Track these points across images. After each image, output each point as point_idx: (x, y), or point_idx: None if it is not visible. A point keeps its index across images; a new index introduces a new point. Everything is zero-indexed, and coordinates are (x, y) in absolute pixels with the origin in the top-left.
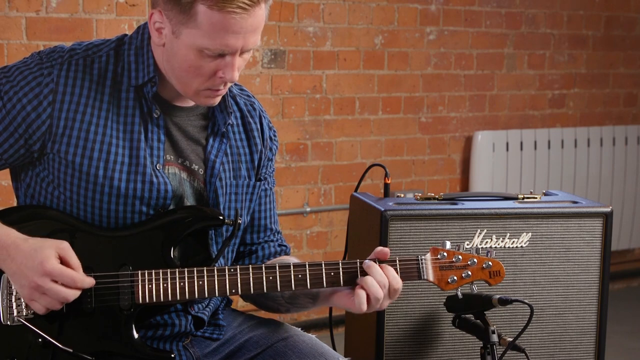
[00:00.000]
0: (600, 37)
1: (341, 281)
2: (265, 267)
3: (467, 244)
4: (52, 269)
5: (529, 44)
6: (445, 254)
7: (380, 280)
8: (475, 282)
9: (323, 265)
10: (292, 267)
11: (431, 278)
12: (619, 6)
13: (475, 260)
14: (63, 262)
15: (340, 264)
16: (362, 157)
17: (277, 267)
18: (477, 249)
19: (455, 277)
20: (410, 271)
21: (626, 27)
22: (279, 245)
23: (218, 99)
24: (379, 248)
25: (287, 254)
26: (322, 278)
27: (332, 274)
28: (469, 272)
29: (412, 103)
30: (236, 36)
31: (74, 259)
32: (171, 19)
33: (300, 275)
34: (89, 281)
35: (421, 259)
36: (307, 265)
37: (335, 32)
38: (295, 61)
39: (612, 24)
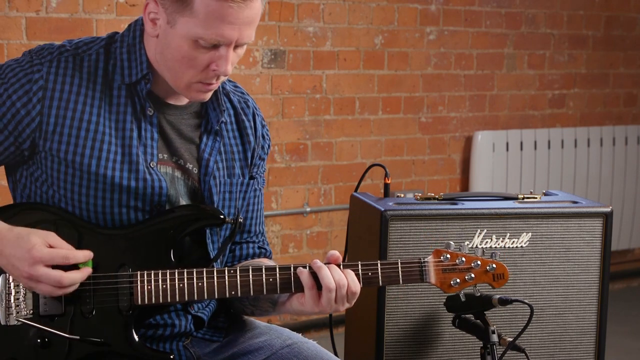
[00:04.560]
0: (600, 37)
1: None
2: (265, 269)
3: (468, 244)
4: (41, 255)
5: (529, 44)
6: (448, 256)
7: (338, 280)
8: (478, 285)
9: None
10: (292, 268)
11: (433, 281)
12: (619, 6)
13: (479, 262)
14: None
15: (341, 266)
16: (362, 157)
17: (277, 269)
18: (482, 251)
19: (458, 280)
20: (412, 274)
21: (626, 27)
22: (259, 248)
23: (209, 94)
24: (331, 252)
25: (267, 257)
26: None
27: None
28: (472, 275)
29: (412, 103)
30: (232, 27)
31: (63, 243)
32: (167, 8)
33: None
34: (82, 255)
35: (423, 262)
36: (308, 267)
37: (335, 32)
38: (295, 61)
39: (612, 24)
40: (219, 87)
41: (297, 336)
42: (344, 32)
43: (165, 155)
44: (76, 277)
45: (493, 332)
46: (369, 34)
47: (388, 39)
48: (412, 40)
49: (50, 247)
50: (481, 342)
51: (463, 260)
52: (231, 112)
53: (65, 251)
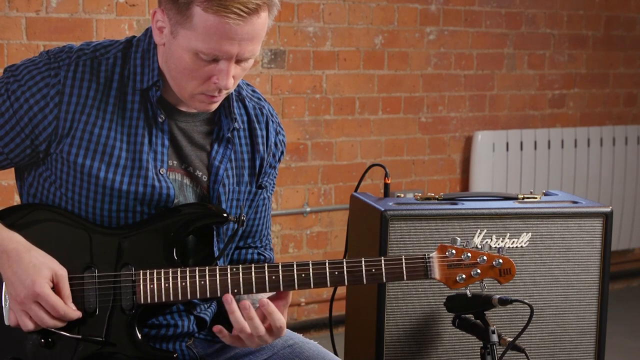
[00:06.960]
0: (600, 37)
1: (345, 280)
2: (268, 267)
3: (476, 240)
4: (40, 292)
5: (529, 44)
6: (453, 251)
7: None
8: (484, 280)
9: (327, 263)
10: (295, 266)
11: (438, 277)
12: (619, 6)
13: (485, 257)
14: (55, 288)
15: (344, 262)
16: (362, 157)
17: (280, 266)
18: (489, 246)
19: (463, 276)
20: (417, 270)
21: (626, 27)
22: (259, 254)
23: (214, 106)
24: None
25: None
26: (326, 277)
27: (337, 273)
28: (478, 270)
29: (412, 103)
30: (230, 42)
31: (66, 289)
32: (170, 19)
33: (303, 275)
34: (72, 315)
35: (428, 258)
36: (310, 264)
37: (335, 32)
38: (295, 61)
39: (612, 24)
40: (232, 93)
41: (298, 337)
42: (344, 32)
43: (175, 162)
44: (57, 325)
45: (493, 332)
46: (369, 34)
47: (388, 39)
48: (412, 40)
49: (54, 284)
50: (481, 342)
51: (469, 256)
52: (245, 118)
53: (59, 304)
